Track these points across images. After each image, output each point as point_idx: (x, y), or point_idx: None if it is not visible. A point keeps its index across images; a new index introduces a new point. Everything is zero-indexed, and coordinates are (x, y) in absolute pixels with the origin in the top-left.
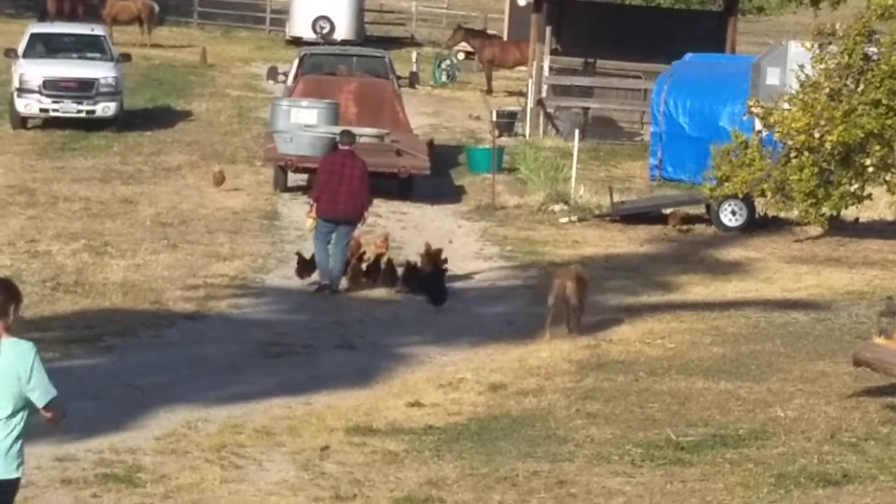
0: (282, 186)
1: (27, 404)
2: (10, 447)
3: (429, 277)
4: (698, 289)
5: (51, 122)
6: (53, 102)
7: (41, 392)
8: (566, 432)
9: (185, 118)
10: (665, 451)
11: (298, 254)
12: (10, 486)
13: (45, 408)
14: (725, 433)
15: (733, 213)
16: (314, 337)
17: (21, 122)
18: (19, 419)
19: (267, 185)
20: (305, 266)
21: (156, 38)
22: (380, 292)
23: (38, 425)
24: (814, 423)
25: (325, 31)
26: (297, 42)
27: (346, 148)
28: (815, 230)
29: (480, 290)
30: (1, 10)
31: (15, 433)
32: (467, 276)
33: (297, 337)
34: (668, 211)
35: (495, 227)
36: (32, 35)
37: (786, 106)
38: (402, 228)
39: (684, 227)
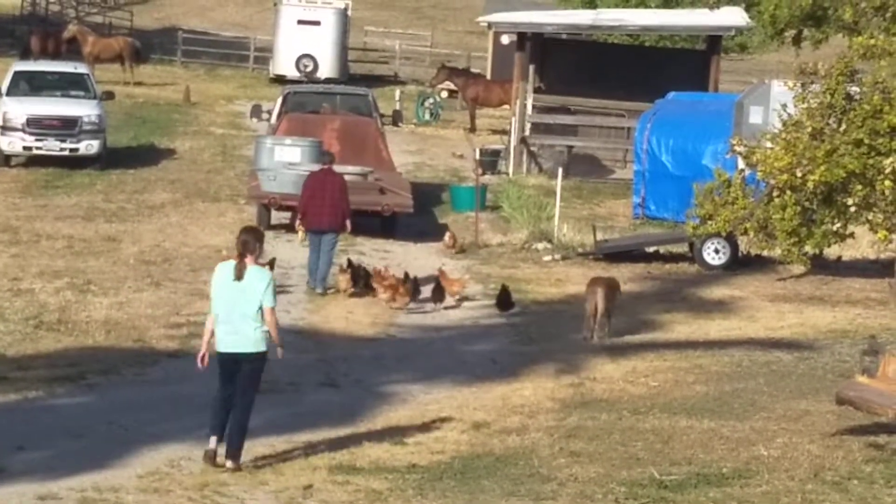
0: (265, 224)
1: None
2: (260, 335)
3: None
4: (681, 327)
5: (34, 160)
6: (37, 140)
7: (269, 299)
8: (549, 471)
9: (168, 156)
10: (648, 489)
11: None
12: (263, 356)
13: (271, 310)
14: (709, 472)
15: (716, 251)
16: (298, 375)
17: (4, 160)
18: (262, 319)
19: (251, 224)
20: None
21: (139, 77)
22: (363, 330)
23: (15, 463)
24: (797, 462)
25: (308, 69)
26: (280, 80)
27: (326, 166)
28: (797, 269)
29: (464, 329)
30: None
31: (262, 327)
32: (450, 314)
33: (280, 375)
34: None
35: (478, 265)
36: (16, 73)
37: (768, 145)
38: (385, 267)
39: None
